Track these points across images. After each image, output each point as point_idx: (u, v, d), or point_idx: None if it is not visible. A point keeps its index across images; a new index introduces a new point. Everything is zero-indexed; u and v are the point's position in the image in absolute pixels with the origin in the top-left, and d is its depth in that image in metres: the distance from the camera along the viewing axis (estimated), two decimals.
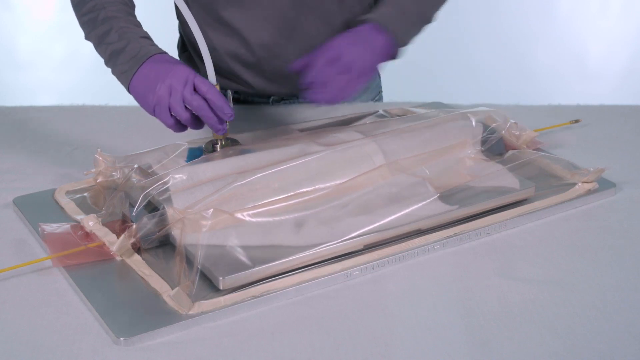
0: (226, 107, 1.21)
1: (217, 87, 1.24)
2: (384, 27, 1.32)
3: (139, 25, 1.33)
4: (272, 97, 1.60)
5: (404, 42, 1.36)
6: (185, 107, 1.20)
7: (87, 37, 1.35)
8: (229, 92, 1.25)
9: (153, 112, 1.23)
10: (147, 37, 1.30)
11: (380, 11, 1.36)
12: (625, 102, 1.78)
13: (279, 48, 1.48)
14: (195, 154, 1.30)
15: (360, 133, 1.30)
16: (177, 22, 1.63)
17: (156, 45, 1.29)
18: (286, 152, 1.24)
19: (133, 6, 1.39)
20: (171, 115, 1.22)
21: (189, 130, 1.46)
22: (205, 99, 1.20)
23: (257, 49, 1.48)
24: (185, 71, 1.21)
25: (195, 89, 1.20)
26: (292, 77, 1.50)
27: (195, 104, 1.20)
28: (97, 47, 1.32)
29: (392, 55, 1.35)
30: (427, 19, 1.41)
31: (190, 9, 1.25)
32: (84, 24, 1.35)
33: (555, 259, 1.14)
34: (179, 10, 1.54)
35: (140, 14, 1.37)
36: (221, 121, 1.23)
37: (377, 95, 1.71)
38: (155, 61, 1.24)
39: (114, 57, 1.27)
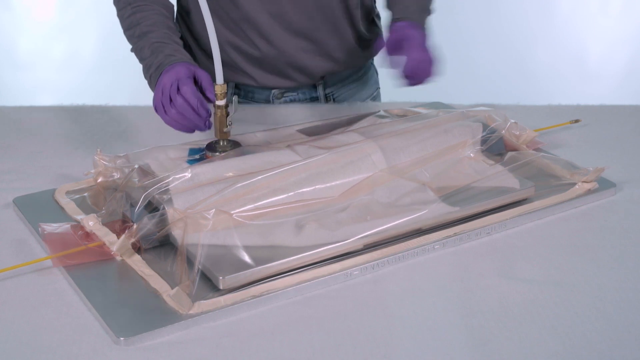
0: (201, 108, 1.25)
1: (225, 86, 1.26)
2: (418, 24, 1.42)
3: (171, 35, 1.40)
4: (273, 90, 1.60)
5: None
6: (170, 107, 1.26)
7: (132, 51, 1.44)
8: (235, 98, 1.31)
9: (157, 113, 1.29)
10: (175, 50, 1.36)
11: (410, 9, 1.45)
12: (625, 102, 1.78)
13: (283, 43, 1.51)
14: (196, 155, 1.30)
15: (360, 135, 1.30)
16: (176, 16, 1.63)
17: (181, 54, 1.35)
18: (287, 153, 1.24)
19: (171, 10, 1.47)
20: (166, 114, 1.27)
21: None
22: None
23: (262, 44, 1.51)
24: (177, 72, 1.26)
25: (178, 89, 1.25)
26: (293, 71, 1.52)
27: (176, 103, 1.25)
28: (140, 62, 1.40)
29: None
30: (429, 11, 1.49)
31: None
32: (127, 40, 1.44)
33: (555, 259, 1.14)
34: (181, 5, 1.56)
35: None
36: (202, 121, 1.26)
37: (376, 92, 1.73)
38: (168, 70, 1.29)
39: (146, 71, 1.37)
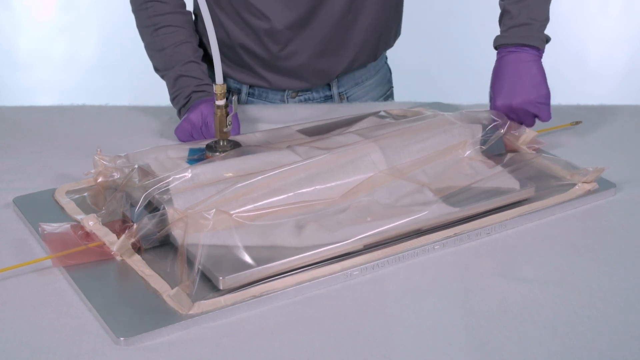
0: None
1: (224, 86, 1.27)
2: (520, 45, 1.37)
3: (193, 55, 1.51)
4: (287, 91, 1.61)
5: (544, 37, 1.40)
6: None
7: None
8: (234, 98, 1.34)
9: (180, 139, 1.44)
10: (197, 85, 1.47)
11: (511, 35, 1.39)
12: (625, 102, 1.78)
13: (293, 45, 1.53)
14: (196, 155, 1.30)
15: (360, 136, 1.30)
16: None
17: (205, 86, 1.47)
18: (287, 154, 1.24)
19: (189, 17, 1.53)
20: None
21: None
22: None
23: (272, 46, 1.53)
24: (201, 110, 1.40)
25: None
26: (307, 73, 1.52)
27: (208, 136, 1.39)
28: (164, 79, 1.52)
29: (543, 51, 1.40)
30: None
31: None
32: (150, 48, 1.53)
33: (555, 259, 1.14)
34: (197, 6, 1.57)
35: None
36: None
37: (389, 90, 1.74)
38: (193, 109, 1.42)
39: (172, 98, 1.50)
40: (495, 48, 1.42)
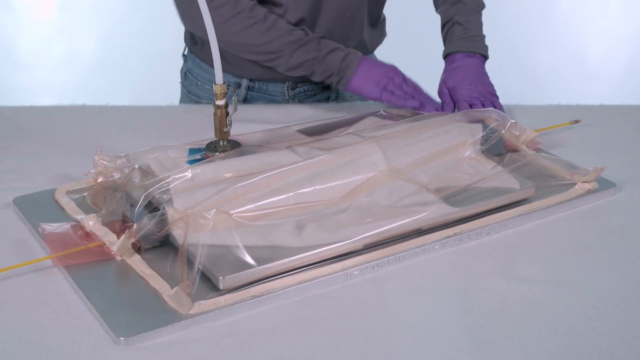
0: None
1: (224, 86, 1.26)
2: (472, 53, 1.60)
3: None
4: (287, 82, 1.62)
5: (485, 47, 1.63)
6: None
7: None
8: (235, 98, 1.32)
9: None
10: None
11: (465, 44, 1.61)
12: (625, 102, 1.78)
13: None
14: (196, 155, 1.30)
15: (360, 137, 1.30)
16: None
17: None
18: (287, 154, 1.24)
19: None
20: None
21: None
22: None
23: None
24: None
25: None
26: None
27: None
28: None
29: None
30: (482, 6, 1.65)
31: None
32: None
33: (555, 259, 1.14)
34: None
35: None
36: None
37: None
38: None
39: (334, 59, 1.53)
40: (449, 54, 1.61)
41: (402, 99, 1.50)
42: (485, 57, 1.62)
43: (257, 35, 1.48)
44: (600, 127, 1.55)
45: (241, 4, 1.46)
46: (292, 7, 1.50)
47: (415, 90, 1.52)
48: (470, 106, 1.51)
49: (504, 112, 1.48)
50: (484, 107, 1.50)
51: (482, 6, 1.65)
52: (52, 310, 1.02)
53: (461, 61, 1.59)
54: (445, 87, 1.57)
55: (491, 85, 1.57)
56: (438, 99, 1.56)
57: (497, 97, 1.55)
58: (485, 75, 1.59)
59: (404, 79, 1.52)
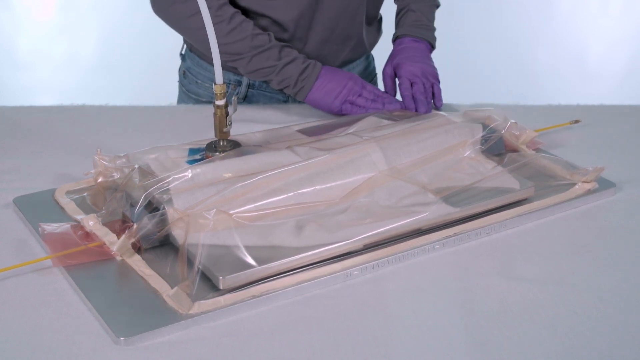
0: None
1: (224, 86, 1.26)
2: (420, 39, 1.64)
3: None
4: None
5: (433, 37, 1.67)
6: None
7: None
8: (234, 98, 1.32)
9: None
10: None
11: (415, 30, 1.65)
12: (625, 102, 1.78)
13: (301, 31, 1.55)
14: (196, 155, 1.30)
15: (360, 137, 1.30)
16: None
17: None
18: (287, 154, 1.24)
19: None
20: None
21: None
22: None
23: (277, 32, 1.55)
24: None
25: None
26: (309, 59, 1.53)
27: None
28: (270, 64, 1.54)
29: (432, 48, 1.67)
30: (438, 4, 1.70)
31: None
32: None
33: (555, 259, 1.14)
34: None
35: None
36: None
37: (373, 79, 1.80)
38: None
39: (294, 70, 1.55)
40: (398, 37, 1.66)
41: (363, 107, 1.52)
42: (433, 47, 1.66)
43: (219, 35, 1.47)
44: (600, 127, 1.55)
45: (209, 1, 1.45)
46: (288, 2, 1.51)
47: (375, 95, 1.54)
48: (412, 84, 1.54)
49: (441, 97, 1.54)
50: (425, 87, 1.54)
51: (438, 4, 1.70)
52: (52, 310, 1.02)
53: (409, 44, 1.63)
54: (390, 66, 1.61)
55: (435, 69, 1.60)
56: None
57: (439, 82, 1.58)
58: (430, 59, 1.63)
59: (363, 86, 1.54)
